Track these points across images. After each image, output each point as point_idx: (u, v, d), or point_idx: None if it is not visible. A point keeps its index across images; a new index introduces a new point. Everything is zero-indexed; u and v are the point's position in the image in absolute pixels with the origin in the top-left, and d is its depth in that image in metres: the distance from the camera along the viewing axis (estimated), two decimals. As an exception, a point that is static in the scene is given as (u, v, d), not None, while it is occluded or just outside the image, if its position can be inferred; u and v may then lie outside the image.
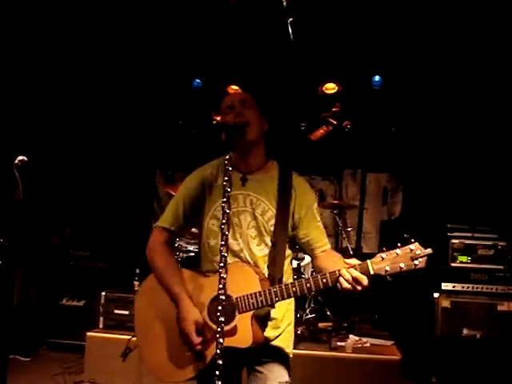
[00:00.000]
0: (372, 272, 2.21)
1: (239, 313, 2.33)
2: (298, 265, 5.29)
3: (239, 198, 2.52)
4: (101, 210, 7.20)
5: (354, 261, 2.27)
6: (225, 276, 2.11)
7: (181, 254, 5.77)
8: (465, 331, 5.21)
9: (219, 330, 2.09)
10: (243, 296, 2.33)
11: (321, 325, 5.55)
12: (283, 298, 2.32)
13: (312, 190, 2.68)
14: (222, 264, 2.11)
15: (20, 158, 3.28)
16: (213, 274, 2.45)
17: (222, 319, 2.10)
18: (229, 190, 2.16)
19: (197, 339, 2.36)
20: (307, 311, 5.49)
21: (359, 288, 2.21)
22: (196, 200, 2.58)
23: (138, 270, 5.95)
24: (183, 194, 2.63)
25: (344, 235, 6.09)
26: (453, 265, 5.37)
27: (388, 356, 4.85)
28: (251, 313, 2.33)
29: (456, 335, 5.20)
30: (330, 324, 5.52)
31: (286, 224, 2.51)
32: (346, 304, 5.67)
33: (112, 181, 7.35)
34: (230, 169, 2.18)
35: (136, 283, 5.87)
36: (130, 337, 4.92)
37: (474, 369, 5.00)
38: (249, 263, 2.48)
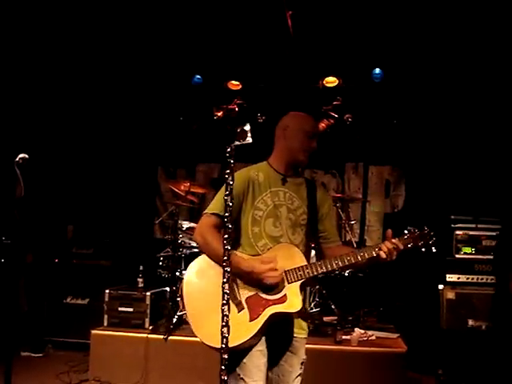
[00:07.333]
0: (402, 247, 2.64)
1: (288, 283, 2.65)
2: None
3: (280, 194, 2.87)
4: (103, 207, 7.20)
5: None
6: (228, 269, 2.22)
7: (184, 251, 5.75)
8: (470, 322, 5.20)
9: (225, 316, 2.16)
10: (292, 269, 2.67)
11: (326, 319, 5.54)
12: (327, 269, 2.67)
13: (330, 197, 3.32)
14: (225, 257, 2.15)
15: (21, 155, 3.28)
16: (270, 250, 2.75)
17: (226, 308, 2.18)
18: (231, 182, 2.21)
19: (265, 267, 2.61)
20: (312, 305, 5.48)
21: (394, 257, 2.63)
22: (241, 194, 2.82)
23: (141, 267, 5.95)
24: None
25: (347, 228, 6.08)
26: (457, 256, 5.36)
27: (393, 349, 4.85)
28: (299, 283, 2.66)
29: (461, 327, 5.20)
30: (335, 318, 5.51)
31: (313, 221, 2.90)
32: (350, 297, 5.67)
33: (114, 178, 7.35)
34: (232, 161, 2.23)
35: (140, 280, 5.87)
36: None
37: (480, 360, 4.98)
38: None
